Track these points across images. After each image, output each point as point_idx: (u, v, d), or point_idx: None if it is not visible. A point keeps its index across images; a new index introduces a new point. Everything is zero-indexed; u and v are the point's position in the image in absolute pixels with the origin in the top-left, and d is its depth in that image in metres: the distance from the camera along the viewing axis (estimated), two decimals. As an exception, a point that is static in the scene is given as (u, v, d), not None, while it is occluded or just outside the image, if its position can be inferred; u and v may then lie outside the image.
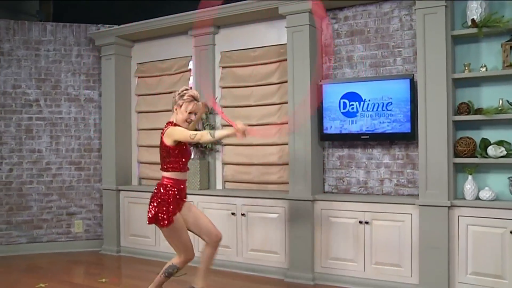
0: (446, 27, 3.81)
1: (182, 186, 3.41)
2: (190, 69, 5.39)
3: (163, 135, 3.35)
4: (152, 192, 3.37)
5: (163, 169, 3.40)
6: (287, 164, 4.69)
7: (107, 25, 5.81)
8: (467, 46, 3.96)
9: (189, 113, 3.38)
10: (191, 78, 5.39)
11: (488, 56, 3.88)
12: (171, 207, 3.28)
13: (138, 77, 5.84)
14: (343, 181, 4.55)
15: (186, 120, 3.38)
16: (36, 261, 5.29)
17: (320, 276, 4.33)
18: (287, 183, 4.68)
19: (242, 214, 4.70)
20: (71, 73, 5.82)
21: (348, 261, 4.22)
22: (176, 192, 3.34)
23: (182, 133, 3.25)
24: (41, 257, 5.45)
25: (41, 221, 5.70)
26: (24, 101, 5.68)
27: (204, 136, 3.19)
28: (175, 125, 3.37)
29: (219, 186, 5.17)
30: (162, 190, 3.32)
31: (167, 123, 3.41)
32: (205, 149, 5.08)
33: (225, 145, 5.11)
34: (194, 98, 3.39)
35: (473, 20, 3.75)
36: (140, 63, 5.81)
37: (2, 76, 5.62)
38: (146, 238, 5.39)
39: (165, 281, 3.56)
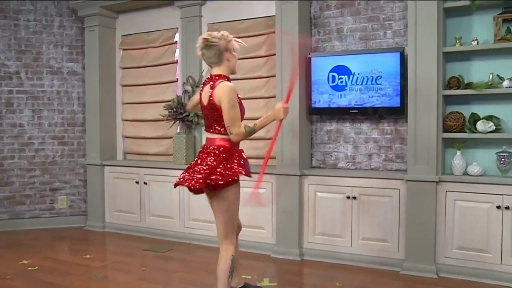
0: (438, -1, 3.73)
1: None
2: (176, 41, 5.26)
3: (213, 91, 2.83)
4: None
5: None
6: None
7: (90, -5, 5.62)
8: (458, 19, 3.89)
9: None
10: (177, 50, 5.25)
11: (479, 29, 3.82)
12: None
13: (123, 50, 5.68)
14: (331, 156, 4.50)
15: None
16: (19, 237, 5.20)
17: (308, 251, 4.32)
18: (274, 158, 4.61)
19: (229, 190, 4.64)
20: (53, 44, 5.64)
21: (336, 236, 4.20)
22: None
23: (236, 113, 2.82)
24: (24, 234, 5.36)
25: (24, 197, 5.59)
26: (3, 73, 5.50)
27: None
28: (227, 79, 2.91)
29: (205, 161, 5.09)
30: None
31: (217, 77, 2.89)
32: (191, 123, 4.98)
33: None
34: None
35: (465, -8, 3.67)
36: (125, 35, 5.64)
37: (-21, 47, 5.45)
38: (131, 214, 5.32)
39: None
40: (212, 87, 2.85)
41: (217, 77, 2.89)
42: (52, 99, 5.65)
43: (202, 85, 2.99)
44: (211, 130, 2.92)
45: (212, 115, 2.88)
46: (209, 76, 2.96)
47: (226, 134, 2.86)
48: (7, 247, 4.82)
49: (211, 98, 2.83)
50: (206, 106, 2.89)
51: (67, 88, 5.70)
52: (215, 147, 2.86)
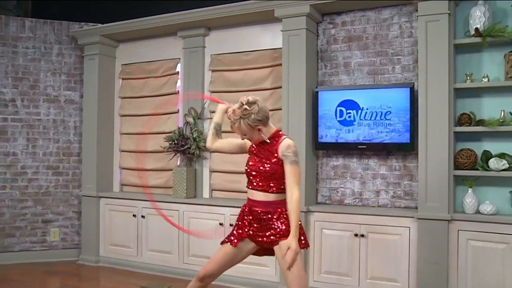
0: (449, 35, 3.71)
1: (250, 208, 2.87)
2: (178, 71, 5.18)
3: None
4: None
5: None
6: (278, 173, 4.51)
7: (91, 24, 5.54)
8: (468, 55, 3.87)
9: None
10: (179, 81, 5.17)
11: (490, 66, 3.80)
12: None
13: (123, 79, 5.58)
14: (337, 192, 4.39)
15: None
16: (7, 272, 4.94)
17: (313, 290, 4.16)
18: (278, 192, 4.49)
19: (231, 225, 4.49)
20: (51, 72, 5.52)
21: (343, 275, 4.06)
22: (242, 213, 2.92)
23: None
24: (13, 268, 5.10)
25: (14, 229, 5.35)
26: (-1, 100, 5.36)
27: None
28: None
29: (206, 195, 4.95)
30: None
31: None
32: (193, 156, 4.86)
33: (213, 152, 4.88)
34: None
35: (476, 29, 3.65)
36: (125, 64, 5.55)
37: (-25, 73, 5.31)
38: (127, 248, 5.12)
39: None
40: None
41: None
42: (47, 127, 5.49)
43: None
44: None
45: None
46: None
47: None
48: (-4, 283, 4.59)
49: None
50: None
51: (64, 117, 5.56)
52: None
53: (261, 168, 2.79)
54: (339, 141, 4.19)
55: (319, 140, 4.27)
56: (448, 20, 3.70)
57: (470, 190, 3.74)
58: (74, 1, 5.75)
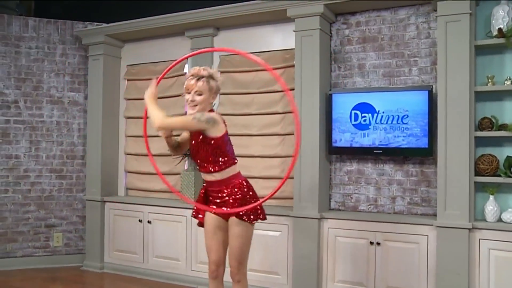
0: (470, 36, 3.56)
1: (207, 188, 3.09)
2: (186, 73, 5.03)
3: None
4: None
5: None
6: (290, 178, 4.37)
7: (95, 23, 5.40)
8: (489, 57, 3.72)
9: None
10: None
11: (512, 69, 3.65)
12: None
13: (128, 80, 5.43)
14: (351, 197, 4.24)
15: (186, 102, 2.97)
16: (9, 278, 4.80)
17: (326, 300, 4.02)
18: (289, 198, 4.36)
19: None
20: (55, 73, 5.38)
21: (357, 284, 3.92)
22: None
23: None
24: (15, 274, 4.96)
25: (16, 233, 5.21)
26: (1, 102, 5.20)
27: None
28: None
29: (214, 199, 4.80)
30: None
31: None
32: (201, 160, 4.71)
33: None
34: (190, 75, 2.98)
35: (500, 29, 3.51)
36: (130, 65, 5.41)
37: (-23, 74, 5.16)
38: (133, 254, 4.98)
39: None
40: None
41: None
42: (51, 130, 5.35)
43: None
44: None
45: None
46: None
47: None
48: (-2, 290, 4.45)
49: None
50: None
51: (68, 119, 5.41)
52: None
53: (202, 151, 2.93)
54: (354, 145, 4.05)
55: (333, 144, 4.12)
56: (469, 20, 3.56)
57: (491, 197, 3.60)
58: (78, 0, 5.60)
